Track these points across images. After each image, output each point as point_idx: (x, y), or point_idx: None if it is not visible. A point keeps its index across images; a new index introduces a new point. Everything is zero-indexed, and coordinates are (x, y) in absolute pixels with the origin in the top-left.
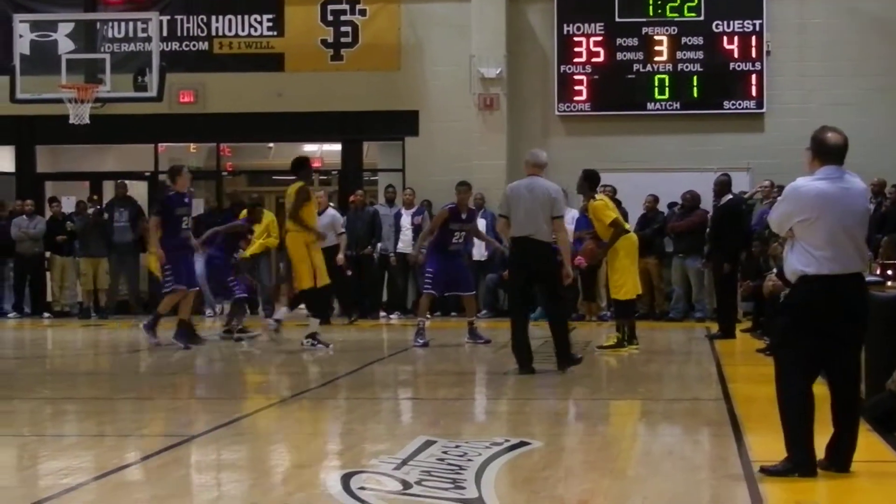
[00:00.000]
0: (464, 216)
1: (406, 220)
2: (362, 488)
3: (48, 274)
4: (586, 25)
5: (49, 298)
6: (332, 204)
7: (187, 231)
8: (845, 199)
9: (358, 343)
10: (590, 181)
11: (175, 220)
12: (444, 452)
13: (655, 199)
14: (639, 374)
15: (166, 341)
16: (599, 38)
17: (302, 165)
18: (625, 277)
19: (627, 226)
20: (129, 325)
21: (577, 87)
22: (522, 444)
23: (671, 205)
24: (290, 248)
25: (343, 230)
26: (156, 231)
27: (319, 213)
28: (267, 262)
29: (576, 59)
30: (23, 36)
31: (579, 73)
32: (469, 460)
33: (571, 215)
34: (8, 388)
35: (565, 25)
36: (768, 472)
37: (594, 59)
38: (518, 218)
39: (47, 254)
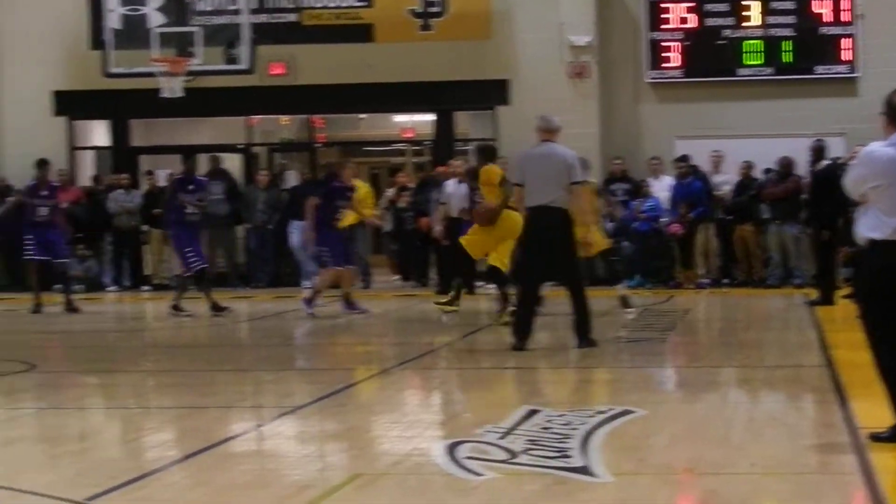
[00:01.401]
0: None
1: None
2: (468, 458)
3: (145, 247)
4: None
5: (148, 272)
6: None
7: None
8: None
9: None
10: (483, 154)
11: (333, 209)
12: (549, 421)
13: (749, 166)
14: (738, 341)
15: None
16: (690, 4)
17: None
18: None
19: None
20: (227, 297)
21: (667, 54)
22: (626, 412)
23: (766, 171)
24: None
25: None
26: (312, 213)
27: (460, 182)
28: (364, 233)
29: (665, 26)
30: (113, 10)
31: (669, 40)
32: (574, 429)
33: (665, 183)
34: (111, 361)
35: None
36: (878, 438)
37: (684, 25)
38: (534, 186)
39: (144, 227)
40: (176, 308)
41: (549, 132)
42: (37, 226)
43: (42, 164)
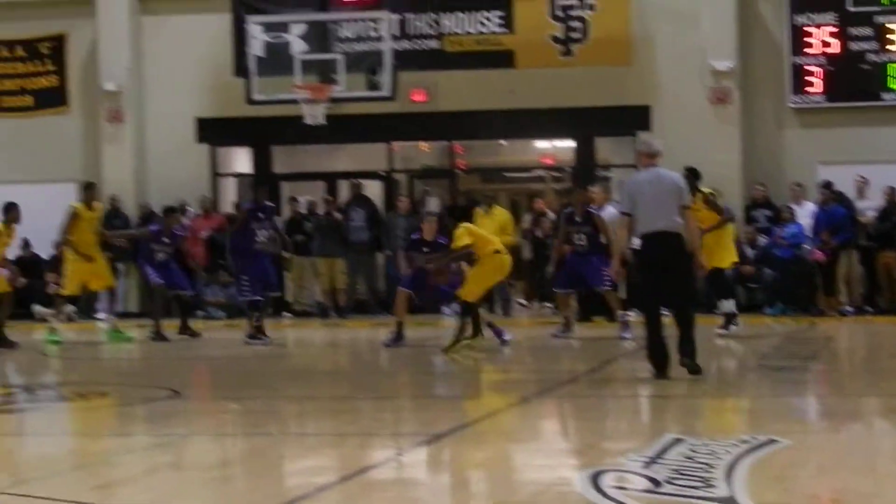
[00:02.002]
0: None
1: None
2: (612, 487)
3: (287, 274)
4: (818, 15)
5: (289, 298)
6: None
7: None
8: None
9: (597, 340)
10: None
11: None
12: (692, 450)
13: (893, 191)
14: (882, 369)
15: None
16: (832, 29)
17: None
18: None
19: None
20: (368, 325)
21: (809, 79)
22: (770, 441)
23: None
24: None
25: None
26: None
27: (599, 209)
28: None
29: (808, 50)
30: (256, 38)
31: (812, 65)
32: (718, 458)
33: (808, 209)
34: (254, 388)
35: (797, 16)
36: None
37: (827, 50)
38: (645, 213)
39: (284, 254)
40: (251, 337)
41: (651, 156)
42: (153, 263)
43: (169, 212)
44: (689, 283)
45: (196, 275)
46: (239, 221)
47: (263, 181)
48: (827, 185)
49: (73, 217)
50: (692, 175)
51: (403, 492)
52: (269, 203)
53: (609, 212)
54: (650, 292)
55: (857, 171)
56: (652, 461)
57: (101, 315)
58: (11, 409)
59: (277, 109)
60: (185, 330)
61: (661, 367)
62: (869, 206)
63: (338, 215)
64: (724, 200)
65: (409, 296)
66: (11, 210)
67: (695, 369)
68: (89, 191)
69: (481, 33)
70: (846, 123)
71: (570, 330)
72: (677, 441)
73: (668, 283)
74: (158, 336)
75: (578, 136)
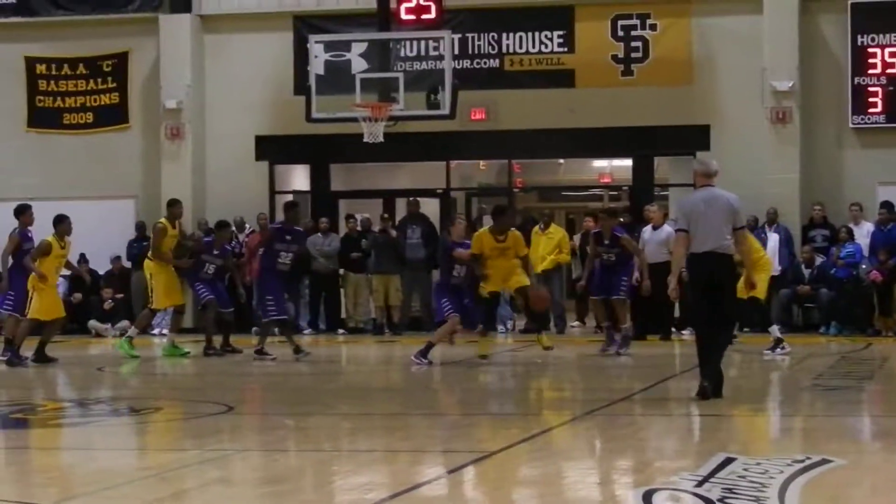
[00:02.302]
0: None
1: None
2: None
3: (342, 291)
4: (881, 36)
5: (343, 315)
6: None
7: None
8: None
9: (651, 359)
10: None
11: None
12: (745, 470)
13: None
14: None
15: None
16: (895, 49)
17: None
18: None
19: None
20: (422, 342)
21: (871, 99)
22: (824, 461)
23: None
24: None
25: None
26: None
27: (655, 228)
28: (559, 278)
29: (870, 71)
30: (318, 56)
31: (874, 85)
32: (771, 478)
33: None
34: (307, 404)
35: (859, 36)
36: None
37: (889, 70)
38: (699, 232)
39: (341, 271)
40: (259, 352)
41: (708, 176)
42: (202, 278)
43: (221, 226)
44: (731, 306)
45: (239, 291)
46: (264, 240)
47: (296, 204)
48: (885, 206)
49: (161, 233)
50: None
51: None
52: (298, 228)
53: (666, 231)
54: (699, 311)
55: None
56: (704, 480)
57: (158, 330)
58: (65, 424)
59: (336, 127)
60: (226, 346)
61: (712, 385)
62: None
63: (393, 232)
64: (783, 219)
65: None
66: (62, 222)
67: (705, 396)
68: (174, 207)
69: (542, 52)
70: None
71: (614, 342)
72: (730, 460)
73: (717, 302)
74: (212, 351)
75: (637, 155)
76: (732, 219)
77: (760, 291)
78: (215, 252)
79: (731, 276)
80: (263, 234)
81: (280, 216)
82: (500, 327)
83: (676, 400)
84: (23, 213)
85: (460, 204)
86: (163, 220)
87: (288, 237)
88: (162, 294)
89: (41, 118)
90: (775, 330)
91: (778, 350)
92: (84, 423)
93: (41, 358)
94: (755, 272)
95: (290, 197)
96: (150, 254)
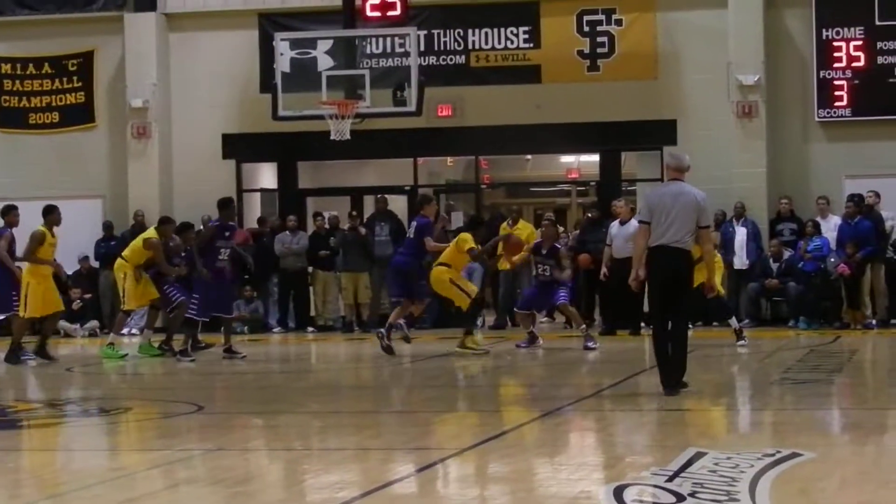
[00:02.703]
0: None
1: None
2: (635, 500)
3: (311, 289)
4: (846, 30)
5: (312, 313)
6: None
7: None
8: None
9: (621, 354)
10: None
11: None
12: (716, 464)
13: None
14: None
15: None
16: (860, 42)
17: None
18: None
19: None
20: (395, 338)
21: (837, 93)
22: (794, 455)
23: None
24: None
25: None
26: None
27: (623, 223)
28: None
29: (836, 65)
30: (283, 54)
31: (839, 78)
32: (741, 472)
33: (833, 223)
34: (276, 402)
35: (824, 30)
36: None
37: (854, 64)
38: (660, 225)
39: (310, 269)
40: (227, 351)
41: (679, 171)
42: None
43: (186, 227)
44: (685, 301)
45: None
46: (204, 238)
47: (231, 200)
48: (857, 198)
49: (37, 240)
50: None
51: None
52: (232, 223)
53: (633, 225)
54: (655, 305)
55: (882, 184)
56: (675, 475)
57: (127, 330)
58: (36, 425)
59: (303, 125)
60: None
61: (668, 380)
62: (887, 218)
63: (362, 230)
64: (750, 213)
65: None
66: (51, 213)
67: (671, 394)
68: (52, 215)
69: (508, 48)
70: (872, 137)
71: (536, 341)
72: (700, 454)
73: (670, 297)
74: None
75: (604, 150)
76: (697, 216)
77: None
78: (226, 233)
79: (688, 270)
80: (205, 233)
81: (251, 213)
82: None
83: (646, 395)
84: (8, 213)
85: None
86: (41, 226)
87: (226, 234)
88: (132, 295)
89: (7, 118)
90: (734, 322)
91: (740, 342)
92: (53, 424)
93: (43, 354)
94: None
95: (257, 195)
96: (123, 253)
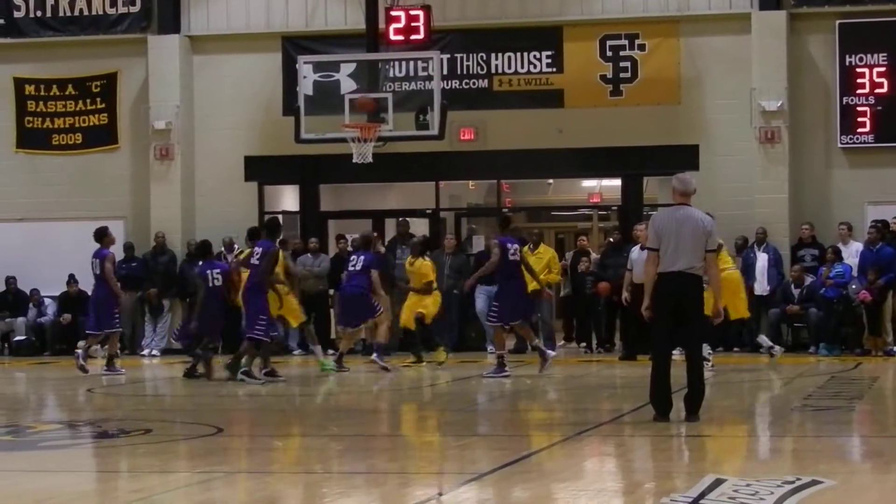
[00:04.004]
0: None
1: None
2: None
3: (332, 311)
4: (869, 56)
5: (332, 335)
6: None
7: None
8: None
9: (641, 379)
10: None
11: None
12: (735, 491)
13: None
14: None
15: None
16: (883, 69)
17: None
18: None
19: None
20: (408, 362)
21: (860, 119)
22: (814, 482)
23: None
24: None
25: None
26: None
27: (643, 248)
28: (548, 299)
29: (859, 91)
30: (306, 77)
31: (862, 105)
32: (761, 499)
33: (855, 249)
34: (297, 425)
35: (847, 56)
36: None
37: (877, 90)
38: (669, 251)
39: (331, 291)
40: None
41: (685, 195)
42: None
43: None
44: (700, 328)
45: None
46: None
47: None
48: (877, 225)
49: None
50: None
51: None
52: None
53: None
54: (662, 332)
55: None
56: (694, 501)
57: (147, 351)
58: (54, 446)
59: (325, 148)
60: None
61: (663, 410)
62: None
63: (381, 248)
64: (772, 239)
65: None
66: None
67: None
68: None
69: (531, 73)
70: (895, 164)
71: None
72: (720, 481)
73: (681, 325)
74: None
75: (626, 174)
76: (705, 241)
77: (742, 310)
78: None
79: (699, 297)
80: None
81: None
82: (490, 346)
83: (667, 420)
84: (105, 235)
85: (450, 224)
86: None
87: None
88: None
89: (30, 139)
90: (763, 339)
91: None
92: (73, 446)
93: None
94: (721, 293)
95: (279, 217)
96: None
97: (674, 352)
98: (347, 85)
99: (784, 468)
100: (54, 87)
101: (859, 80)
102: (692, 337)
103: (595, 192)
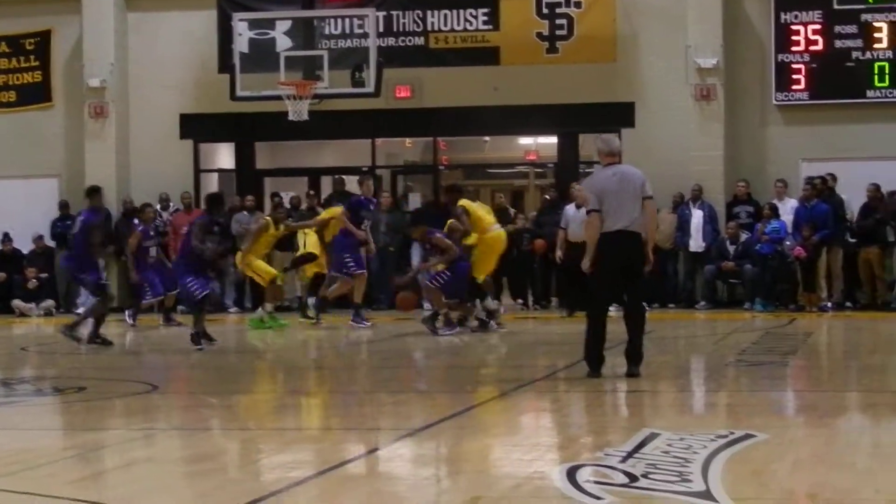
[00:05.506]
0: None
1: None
2: (589, 481)
3: None
4: (804, 13)
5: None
6: None
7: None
8: None
9: (577, 335)
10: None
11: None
12: (669, 445)
13: (877, 188)
14: (862, 365)
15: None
16: (818, 26)
17: None
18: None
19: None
20: (348, 319)
21: (795, 76)
22: (748, 436)
23: (891, 193)
24: None
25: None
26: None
27: (579, 207)
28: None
29: (794, 48)
30: (242, 34)
31: (797, 62)
32: (695, 453)
33: (790, 206)
34: (232, 382)
35: (783, 14)
36: None
37: (812, 48)
38: (611, 210)
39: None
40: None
41: (612, 155)
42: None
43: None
44: (643, 284)
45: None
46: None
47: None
48: (819, 180)
49: None
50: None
51: (380, 486)
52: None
53: (570, 209)
54: (605, 291)
55: (839, 168)
56: (629, 456)
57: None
58: None
59: (261, 105)
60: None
61: (597, 366)
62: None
63: (320, 210)
64: (707, 196)
65: None
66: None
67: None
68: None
69: (467, 30)
70: (830, 121)
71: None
72: (654, 435)
73: (624, 282)
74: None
75: (562, 132)
76: (641, 189)
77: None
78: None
79: (642, 255)
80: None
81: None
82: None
83: (602, 376)
84: (142, 211)
85: (386, 181)
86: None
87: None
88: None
89: None
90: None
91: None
92: (6, 404)
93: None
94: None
95: (214, 175)
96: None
97: (609, 308)
98: (283, 42)
99: (718, 423)
100: None
101: (794, 38)
102: (637, 292)
103: (531, 150)
